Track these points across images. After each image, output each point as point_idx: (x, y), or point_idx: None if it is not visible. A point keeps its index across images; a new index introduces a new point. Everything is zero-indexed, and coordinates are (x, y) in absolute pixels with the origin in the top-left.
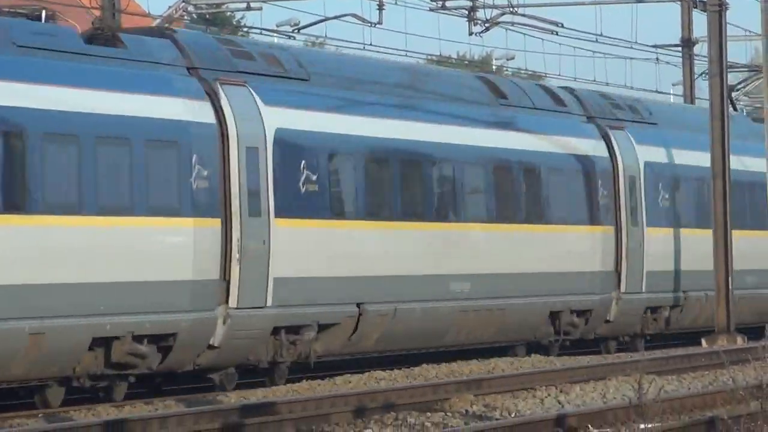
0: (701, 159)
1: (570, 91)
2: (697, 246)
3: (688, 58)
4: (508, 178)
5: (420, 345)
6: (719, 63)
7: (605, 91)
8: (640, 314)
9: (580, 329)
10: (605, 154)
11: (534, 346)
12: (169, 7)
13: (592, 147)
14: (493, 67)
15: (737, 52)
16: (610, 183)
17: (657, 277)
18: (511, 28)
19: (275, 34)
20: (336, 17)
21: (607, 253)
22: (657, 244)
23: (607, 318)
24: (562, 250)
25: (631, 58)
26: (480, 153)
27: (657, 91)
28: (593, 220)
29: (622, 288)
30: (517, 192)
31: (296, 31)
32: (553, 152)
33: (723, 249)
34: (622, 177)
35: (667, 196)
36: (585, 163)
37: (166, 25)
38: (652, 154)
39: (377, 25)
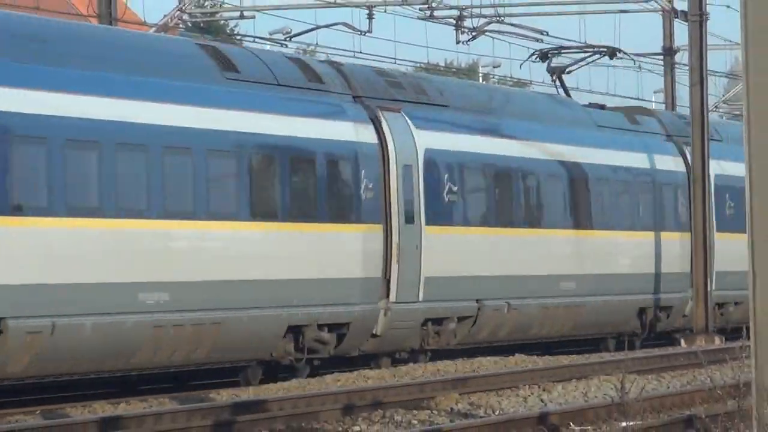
0: (504, 147)
1: (335, 66)
2: (495, 247)
3: (670, 67)
4: (229, 167)
5: (97, 368)
6: (700, 71)
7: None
8: (418, 327)
9: (331, 346)
10: (373, 139)
11: (278, 367)
12: (165, 16)
13: (354, 131)
14: (480, 75)
15: (717, 61)
16: (378, 173)
17: (439, 283)
18: (498, 36)
19: (268, 42)
20: (327, 26)
21: (372, 256)
22: (440, 245)
23: (374, 332)
24: (305, 254)
25: (614, 66)
26: (189, 136)
27: (639, 98)
28: (353, 217)
29: (392, 297)
30: (242, 184)
31: (288, 39)
32: (297, 137)
33: (702, 252)
34: (394, 166)
35: (454, 189)
36: (344, 149)
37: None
38: (437, 140)
39: (367, 34)
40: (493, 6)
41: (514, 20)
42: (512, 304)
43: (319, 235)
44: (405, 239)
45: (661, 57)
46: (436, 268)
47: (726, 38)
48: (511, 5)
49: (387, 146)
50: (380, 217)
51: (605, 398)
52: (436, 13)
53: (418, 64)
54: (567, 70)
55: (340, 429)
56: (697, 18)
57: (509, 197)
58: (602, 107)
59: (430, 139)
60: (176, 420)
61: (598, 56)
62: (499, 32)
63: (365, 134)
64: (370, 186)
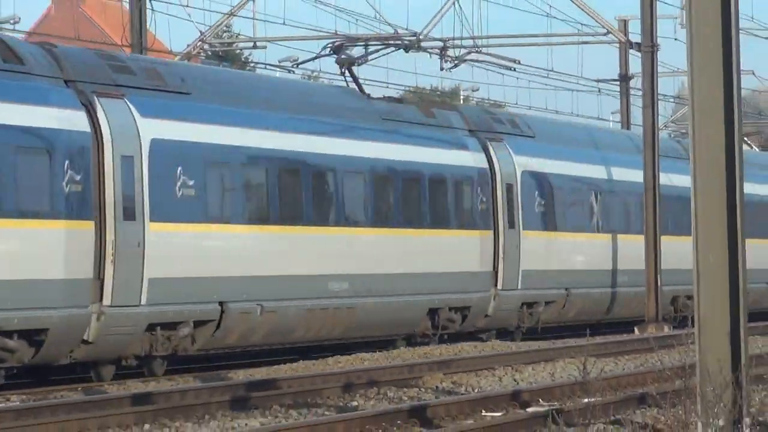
0: (259, 139)
1: (46, 48)
2: (244, 246)
3: (625, 91)
4: None
5: None
6: (651, 95)
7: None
8: (141, 333)
9: (25, 354)
10: (84, 126)
11: None
12: (188, 45)
13: (59, 117)
14: (461, 98)
15: (667, 86)
16: (89, 165)
17: (169, 285)
18: (476, 64)
19: (278, 69)
20: (328, 54)
21: (80, 256)
22: (170, 243)
23: (85, 338)
24: None
25: (578, 91)
26: None
27: (599, 118)
28: (53, 212)
29: (107, 300)
30: None
31: (295, 66)
32: None
33: (653, 252)
34: (111, 157)
35: (190, 184)
36: (42, 137)
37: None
38: (170, 129)
39: (367, 62)
40: (472, 38)
41: (491, 50)
42: (266, 307)
43: (4, 233)
44: (123, 237)
45: (618, 82)
46: (165, 268)
47: (674, 66)
48: (487, 37)
49: (102, 135)
50: (91, 213)
51: (570, 378)
52: (422, 44)
53: (407, 89)
54: (357, 62)
55: (341, 404)
56: (649, 49)
57: (262, 192)
58: (399, 101)
59: (160, 129)
60: (199, 396)
61: (393, 49)
62: (477, 61)
63: (74, 121)
64: (78, 178)
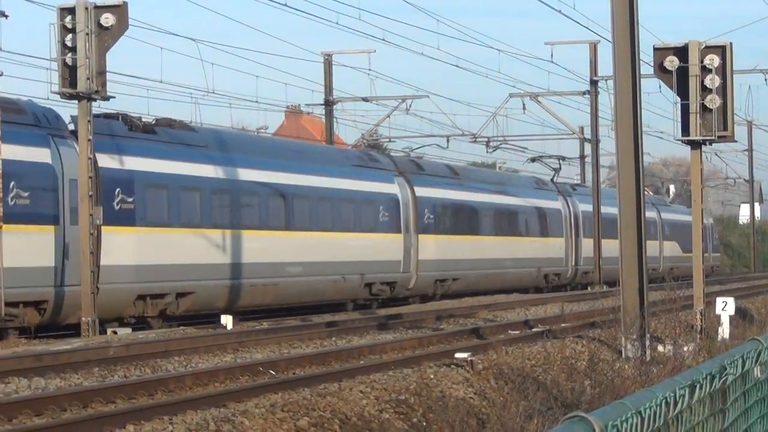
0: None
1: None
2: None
3: (582, 164)
4: None
5: None
6: (596, 165)
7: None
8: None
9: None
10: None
11: None
12: (355, 140)
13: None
14: (497, 167)
15: (605, 160)
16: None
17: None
18: (504, 149)
19: (401, 152)
20: (429, 145)
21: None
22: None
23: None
24: None
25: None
26: None
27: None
28: None
29: None
30: None
31: (411, 151)
32: None
33: (598, 250)
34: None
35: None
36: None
37: (351, 146)
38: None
39: (448, 149)
40: (503, 136)
41: (512, 142)
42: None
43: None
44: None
45: (578, 159)
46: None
47: (610, 150)
48: (510, 136)
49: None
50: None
51: (555, 312)
52: (478, 140)
53: (470, 163)
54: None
55: (434, 327)
56: (595, 141)
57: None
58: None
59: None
60: (362, 322)
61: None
62: (505, 147)
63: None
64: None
